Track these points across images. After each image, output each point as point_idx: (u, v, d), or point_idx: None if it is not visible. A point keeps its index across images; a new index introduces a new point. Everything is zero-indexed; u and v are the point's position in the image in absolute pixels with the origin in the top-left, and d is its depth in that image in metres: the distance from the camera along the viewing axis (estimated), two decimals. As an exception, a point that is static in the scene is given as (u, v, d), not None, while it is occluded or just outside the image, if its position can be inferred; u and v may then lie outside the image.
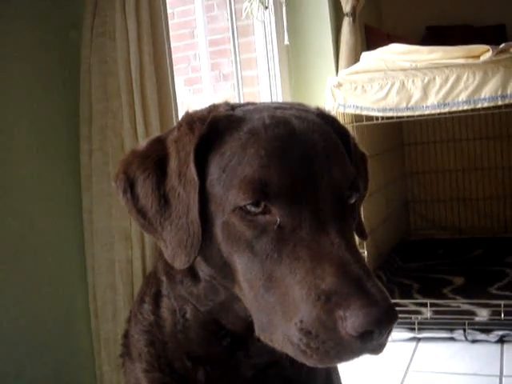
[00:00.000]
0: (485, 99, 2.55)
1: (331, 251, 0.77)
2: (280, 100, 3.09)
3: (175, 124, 1.37)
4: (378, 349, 0.78)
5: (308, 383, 1.04)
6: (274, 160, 0.82)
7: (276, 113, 0.90)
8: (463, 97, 2.56)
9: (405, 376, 2.46)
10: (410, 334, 2.77)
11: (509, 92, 2.50)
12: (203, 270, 0.91)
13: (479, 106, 2.56)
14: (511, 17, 4.27)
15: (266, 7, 2.95)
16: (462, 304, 2.89)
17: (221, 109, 0.92)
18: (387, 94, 2.65)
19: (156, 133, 1.28)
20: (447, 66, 2.60)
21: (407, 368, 2.53)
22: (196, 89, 3.77)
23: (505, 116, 3.94)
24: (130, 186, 0.89)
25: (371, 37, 3.74)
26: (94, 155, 1.28)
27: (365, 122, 2.85)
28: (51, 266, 1.38)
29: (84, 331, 1.41)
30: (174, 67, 3.95)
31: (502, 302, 2.70)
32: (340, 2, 3.27)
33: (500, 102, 2.54)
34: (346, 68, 2.98)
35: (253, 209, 0.81)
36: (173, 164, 0.87)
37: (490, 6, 4.32)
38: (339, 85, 2.75)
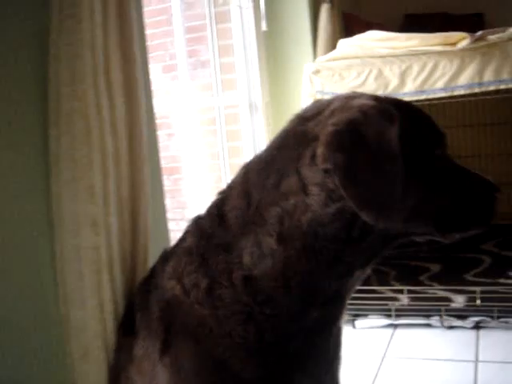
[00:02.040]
0: (462, 86, 2.55)
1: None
2: (258, 86, 3.07)
3: (143, 106, 1.36)
4: None
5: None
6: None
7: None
8: (440, 84, 2.56)
9: (382, 362, 2.48)
10: (388, 321, 2.80)
11: (485, 80, 2.51)
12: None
13: (456, 93, 2.56)
14: (489, 5, 4.28)
15: (243, -8, 2.92)
16: (439, 291, 2.91)
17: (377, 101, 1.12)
18: (365, 80, 2.65)
19: (121, 116, 1.28)
20: (424, 53, 2.59)
21: (384, 354, 2.55)
22: (174, 76, 3.74)
23: (482, 104, 3.95)
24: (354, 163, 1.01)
25: (350, 24, 3.73)
26: (61, 140, 1.25)
27: (342, 109, 2.83)
28: (19, 252, 1.35)
29: (55, 318, 1.39)
30: (152, 54, 3.93)
31: (478, 289, 2.73)
32: (318, -12, 3.26)
33: (477, 90, 2.54)
34: (324, 55, 2.97)
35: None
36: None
37: (468, -6, 4.34)
38: (317, 71, 2.73)
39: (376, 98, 1.13)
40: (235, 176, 1.20)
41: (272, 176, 1.10)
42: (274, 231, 1.07)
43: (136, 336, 1.24)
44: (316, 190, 1.05)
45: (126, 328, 1.30)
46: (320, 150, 1.02)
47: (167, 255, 1.26)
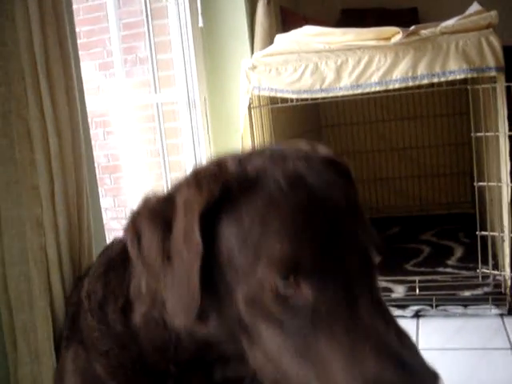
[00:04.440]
0: (396, 80, 2.59)
1: (369, 329, 0.78)
2: (196, 83, 3.05)
3: (79, 104, 1.33)
4: None
5: None
6: (301, 234, 0.81)
7: (288, 168, 0.88)
8: (375, 78, 2.59)
9: (325, 354, 2.50)
10: (330, 314, 2.81)
11: (419, 73, 2.55)
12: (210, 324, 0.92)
13: (391, 86, 2.60)
14: (423, 0, 4.37)
15: (177, -13, 2.89)
16: (380, 281, 2.95)
17: (230, 166, 0.90)
18: (301, 75, 2.66)
19: (64, 115, 1.28)
20: (359, 48, 2.62)
21: (327, 346, 2.57)
22: (112, 73, 3.68)
23: (418, 97, 4.03)
24: (138, 238, 0.92)
25: (287, 19, 3.74)
26: (-1, 142, 1.23)
27: (280, 104, 2.84)
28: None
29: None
30: (89, 51, 3.86)
31: (417, 278, 2.80)
32: (254, -16, 3.25)
33: (411, 83, 2.58)
34: (261, 50, 2.97)
35: (284, 286, 0.79)
36: (179, 224, 0.86)
37: (403, -12, 4.41)
38: (253, 67, 2.73)
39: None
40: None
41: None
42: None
43: None
44: None
45: None
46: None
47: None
